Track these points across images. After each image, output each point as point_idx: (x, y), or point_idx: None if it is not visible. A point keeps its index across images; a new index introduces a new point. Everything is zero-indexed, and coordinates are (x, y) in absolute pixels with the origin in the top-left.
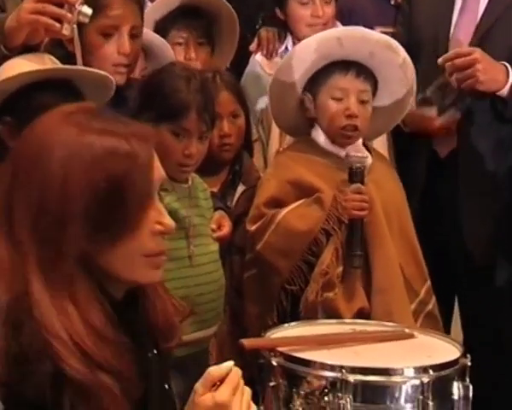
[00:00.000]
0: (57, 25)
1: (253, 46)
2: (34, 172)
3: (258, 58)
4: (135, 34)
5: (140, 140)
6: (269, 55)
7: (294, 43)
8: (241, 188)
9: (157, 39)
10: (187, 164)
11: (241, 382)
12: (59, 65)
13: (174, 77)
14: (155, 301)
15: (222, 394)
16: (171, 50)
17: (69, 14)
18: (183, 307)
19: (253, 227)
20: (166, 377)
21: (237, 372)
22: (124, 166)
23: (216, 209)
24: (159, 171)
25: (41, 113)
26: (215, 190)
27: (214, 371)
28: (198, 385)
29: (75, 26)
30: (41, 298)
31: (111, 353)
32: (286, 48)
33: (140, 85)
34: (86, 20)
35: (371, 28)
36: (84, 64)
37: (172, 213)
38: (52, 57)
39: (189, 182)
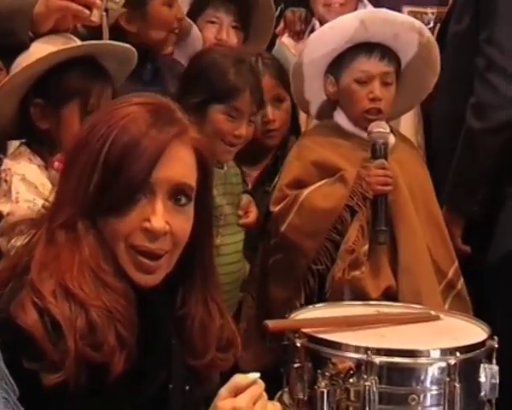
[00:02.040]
0: (87, 11)
1: (279, 29)
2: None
3: (284, 40)
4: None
5: (161, 134)
6: (295, 37)
7: (321, 24)
8: None
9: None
10: (234, 144)
11: (264, 396)
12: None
13: (226, 57)
14: (200, 313)
15: (241, 400)
16: (195, 28)
17: (98, 1)
18: (235, 339)
19: (277, 208)
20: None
21: (261, 385)
22: (126, 144)
23: (243, 193)
24: (171, 172)
25: (69, 92)
26: (257, 172)
27: (240, 378)
28: (222, 389)
29: (104, 12)
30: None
31: (107, 295)
32: (312, 28)
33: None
34: (114, 6)
35: (399, 7)
36: (143, 36)
37: None
38: (74, 37)
39: (225, 167)
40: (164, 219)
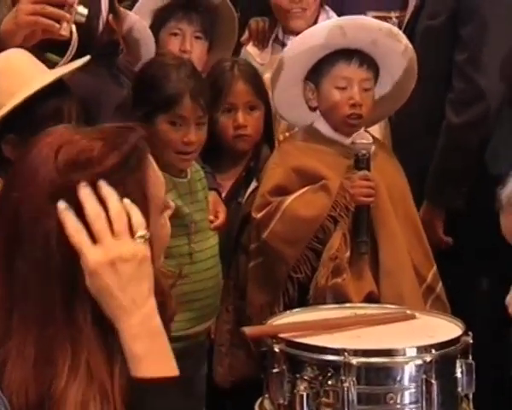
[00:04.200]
0: (57, 25)
1: (243, 38)
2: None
3: (249, 49)
4: None
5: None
6: (260, 46)
7: (284, 32)
8: (254, 184)
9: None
10: (187, 151)
11: None
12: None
13: (164, 66)
14: None
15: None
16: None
17: (68, 15)
18: (171, 272)
19: (259, 215)
20: None
21: None
22: None
23: (209, 189)
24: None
25: (41, 122)
26: (229, 183)
27: None
28: None
29: (73, 25)
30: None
31: None
32: (276, 37)
33: (132, 80)
34: (83, 19)
35: (364, 13)
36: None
37: (175, 211)
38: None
39: (188, 175)
40: None
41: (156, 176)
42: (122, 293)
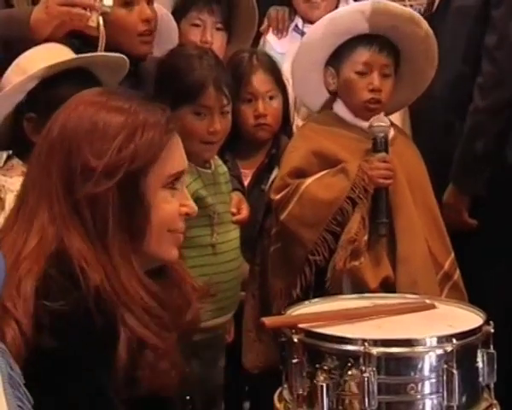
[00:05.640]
0: (88, 14)
1: (263, 27)
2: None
3: (269, 38)
4: (151, 0)
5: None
6: (279, 35)
7: (304, 21)
8: (276, 172)
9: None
10: (212, 141)
11: None
12: (74, 55)
13: (187, 57)
14: (173, 278)
15: None
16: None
17: (97, 5)
18: (201, 287)
19: (277, 197)
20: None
21: None
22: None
23: (233, 190)
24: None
25: (61, 104)
26: (250, 171)
27: None
28: None
29: (100, 17)
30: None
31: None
32: (296, 25)
33: (154, 71)
34: (109, 10)
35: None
36: (113, 42)
37: (200, 201)
38: (66, 48)
39: (212, 166)
40: None
41: (175, 155)
42: None
